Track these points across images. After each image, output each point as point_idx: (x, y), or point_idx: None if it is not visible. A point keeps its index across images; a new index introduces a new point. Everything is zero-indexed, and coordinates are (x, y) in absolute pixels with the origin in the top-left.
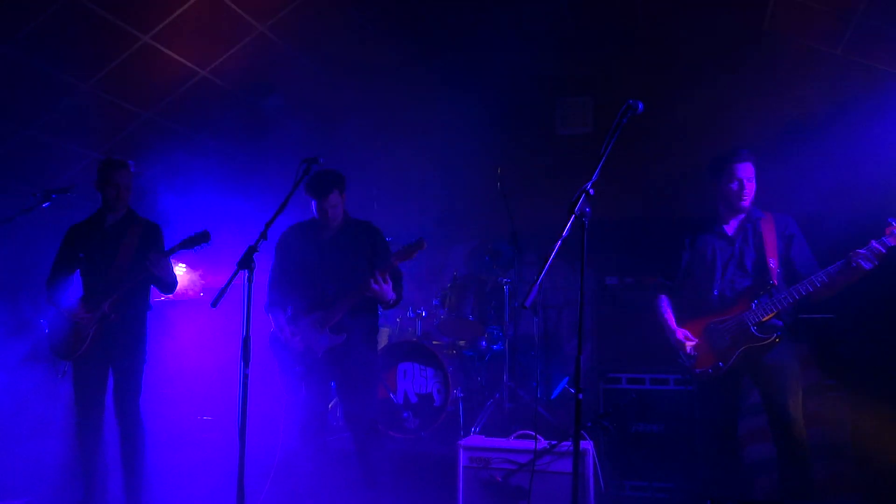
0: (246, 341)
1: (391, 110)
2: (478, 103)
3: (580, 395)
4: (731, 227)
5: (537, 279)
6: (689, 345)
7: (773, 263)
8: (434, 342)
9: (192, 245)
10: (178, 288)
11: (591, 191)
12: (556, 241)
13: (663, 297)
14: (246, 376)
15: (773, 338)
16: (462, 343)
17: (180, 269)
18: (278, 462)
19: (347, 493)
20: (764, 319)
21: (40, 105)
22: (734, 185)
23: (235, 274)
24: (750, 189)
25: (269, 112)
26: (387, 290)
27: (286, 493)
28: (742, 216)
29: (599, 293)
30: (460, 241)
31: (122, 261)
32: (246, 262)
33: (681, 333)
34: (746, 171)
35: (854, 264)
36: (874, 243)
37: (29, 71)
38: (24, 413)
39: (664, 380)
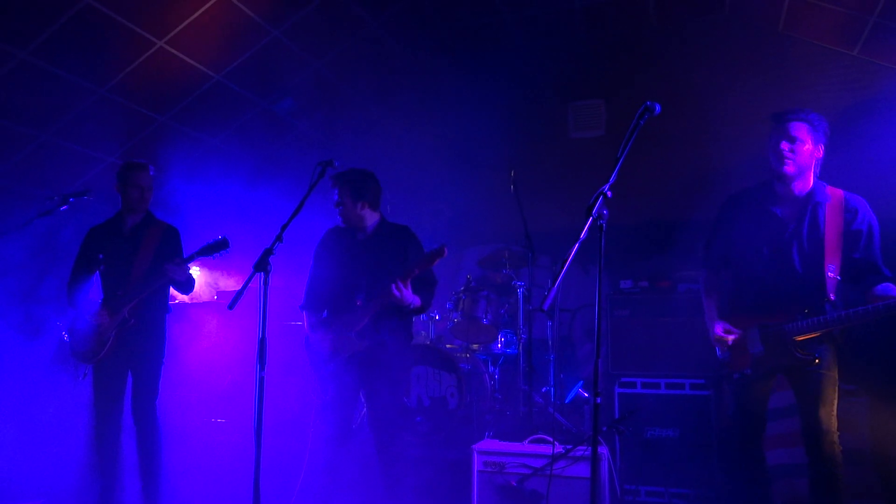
0: (262, 343)
1: (404, 113)
2: (491, 107)
3: (598, 399)
4: (785, 210)
5: (555, 282)
6: (729, 338)
7: (831, 270)
8: (447, 346)
9: (211, 252)
10: (194, 290)
11: (609, 193)
12: (573, 244)
13: (706, 292)
14: (262, 378)
15: (812, 359)
16: (476, 346)
17: (195, 272)
18: (305, 466)
19: (364, 498)
20: (809, 336)
21: (56, 110)
22: (783, 145)
23: (251, 276)
24: (800, 152)
25: (284, 115)
26: (408, 296)
27: (303, 496)
28: (801, 198)
29: (613, 296)
30: (474, 244)
31: (141, 264)
32: (262, 265)
33: (719, 328)
34: (799, 131)
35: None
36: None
37: (45, 76)
38: (43, 414)
39: (680, 384)
